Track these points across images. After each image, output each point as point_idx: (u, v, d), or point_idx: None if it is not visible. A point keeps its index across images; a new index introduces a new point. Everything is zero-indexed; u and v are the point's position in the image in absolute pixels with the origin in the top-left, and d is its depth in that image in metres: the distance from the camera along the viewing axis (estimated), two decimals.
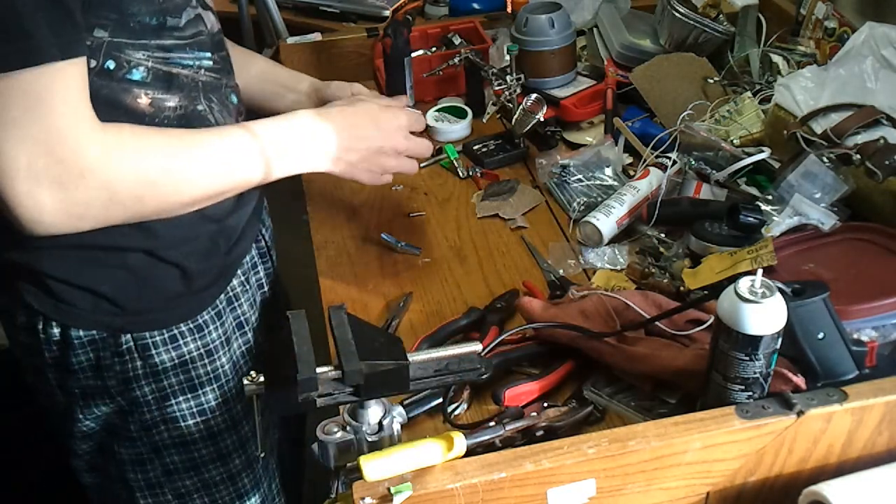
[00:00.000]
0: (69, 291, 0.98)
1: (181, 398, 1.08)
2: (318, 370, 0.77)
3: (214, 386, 1.10)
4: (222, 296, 1.09)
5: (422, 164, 1.47)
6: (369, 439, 0.81)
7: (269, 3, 2.28)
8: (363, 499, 0.72)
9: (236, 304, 1.12)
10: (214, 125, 1.00)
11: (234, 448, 1.14)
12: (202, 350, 1.07)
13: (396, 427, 0.83)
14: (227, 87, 1.05)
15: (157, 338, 1.03)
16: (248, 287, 1.15)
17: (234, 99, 1.07)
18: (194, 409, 1.09)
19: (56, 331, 1.01)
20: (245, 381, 0.82)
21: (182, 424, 1.09)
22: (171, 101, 0.95)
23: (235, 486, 1.17)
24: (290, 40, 1.71)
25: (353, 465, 0.82)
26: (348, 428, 0.82)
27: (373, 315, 1.15)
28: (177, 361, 1.05)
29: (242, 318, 1.14)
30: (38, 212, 0.82)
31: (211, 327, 1.07)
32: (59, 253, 0.95)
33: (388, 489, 0.72)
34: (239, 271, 1.12)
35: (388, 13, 2.15)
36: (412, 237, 1.29)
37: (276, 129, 1.00)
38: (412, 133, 1.12)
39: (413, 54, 1.55)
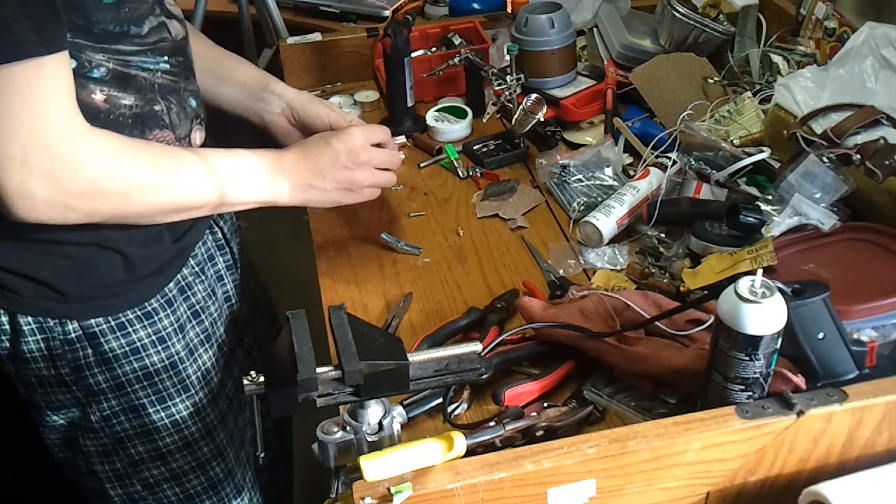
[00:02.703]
0: (11, 279, 1.00)
1: (137, 386, 1.09)
2: (318, 370, 0.78)
3: (171, 373, 1.10)
4: (172, 284, 1.10)
5: (421, 164, 1.47)
6: (369, 439, 0.81)
7: (269, 3, 2.28)
8: (363, 499, 0.72)
9: (189, 292, 1.13)
10: (169, 126, 1.03)
11: (202, 436, 1.15)
12: (153, 337, 1.08)
13: (396, 427, 0.83)
14: (185, 90, 1.06)
15: (105, 325, 1.04)
16: (203, 277, 1.16)
17: (193, 103, 1.08)
18: (153, 398, 1.10)
19: (4, 318, 1.03)
20: (245, 381, 0.82)
21: (142, 413, 1.10)
22: (127, 100, 0.97)
23: (206, 474, 1.18)
24: (290, 40, 1.71)
25: (353, 464, 0.83)
26: (348, 428, 0.82)
27: (373, 315, 1.15)
28: (128, 349, 1.06)
29: (198, 307, 1.14)
30: (30, 201, 0.86)
31: (161, 314, 1.08)
32: (0, 243, 0.98)
33: (388, 489, 0.72)
34: (192, 262, 1.13)
35: (388, 13, 2.15)
36: (412, 237, 1.29)
37: (235, 162, 1.04)
38: (379, 147, 1.15)
39: (413, 54, 1.55)
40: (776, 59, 1.49)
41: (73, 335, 1.03)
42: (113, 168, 0.91)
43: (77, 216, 0.91)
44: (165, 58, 1.01)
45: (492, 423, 0.88)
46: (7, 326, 1.03)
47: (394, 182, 1.18)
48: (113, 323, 1.04)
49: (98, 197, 0.91)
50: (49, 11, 0.83)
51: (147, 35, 0.98)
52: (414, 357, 0.82)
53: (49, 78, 0.84)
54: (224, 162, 1.02)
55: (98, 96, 0.94)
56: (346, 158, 1.09)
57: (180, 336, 1.10)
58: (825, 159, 1.14)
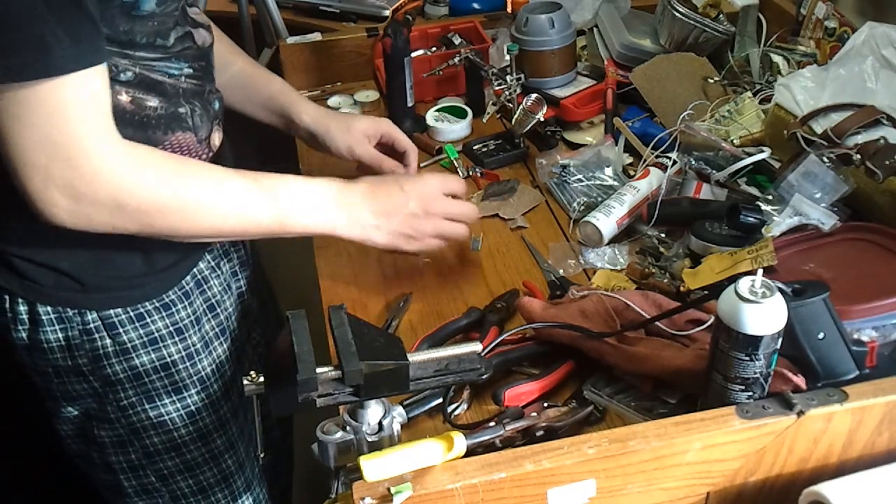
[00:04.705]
0: (32, 268, 1.01)
1: (154, 377, 1.09)
2: (318, 370, 0.78)
3: (188, 364, 1.11)
4: (189, 277, 1.10)
5: (422, 164, 1.47)
6: (369, 439, 0.81)
7: (269, 3, 2.28)
8: (363, 499, 0.72)
9: (205, 286, 1.14)
10: (192, 128, 1.03)
11: (215, 428, 1.16)
12: (171, 328, 1.08)
13: (396, 427, 0.83)
14: (209, 92, 1.07)
15: (123, 316, 1.05)
16: (219, 272, 1.17)
17: (216, 105, 1.09)
18: (169, 388, 1.11)
19: (23, 308, 1.04)
20: (245, 381, 0.82)
21: (158, 404, 1.11)
22: (153, 102, 0.98)
23: (219, 466, 1.19)
24: (290, 40, 1.71)
25: (352, 465, 0.82)
26: (348, 428, 0.82)
27: (373, 315, 1.15)
28: (146, 339, 1.07)
29: (213, 301, 1.15)
30: (51, 209, 0.87)
31: (179, 306, 1.09)
32: (21, 233, 0.99)
33: (388, 489, 0.72)
34: (208, 256, 1.14)
35: (388, 13, 2.15)
36: None
37: (301, 187, 1.02)
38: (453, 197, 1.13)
39: (413, 54, 1.55)
40: (776, 58, 1.49)
41: (91, 325, 1.04)
42: (134, 184, 0.89)
43: (101, 227, 0.91)
44: (189, 63, 1.02)
45: (492, 424, 0.88)
46: (26, 316, 1.04)
47: (464, 235, 1.14)
48: (132, 314, 1.05)
49: (119, 211, 0.90)
50: (89, 25, 0.83)
51: (172, 45, 0.99)
52: (414, 357, 0.82)
53: (78, 92, 0.84)
54: (287, 187, 1.01)
55: (124, 97, 0.95)
56: (416, 205, 1.07)
57: (196, 328, 1.11)
58: (825, 159, 1.14)
